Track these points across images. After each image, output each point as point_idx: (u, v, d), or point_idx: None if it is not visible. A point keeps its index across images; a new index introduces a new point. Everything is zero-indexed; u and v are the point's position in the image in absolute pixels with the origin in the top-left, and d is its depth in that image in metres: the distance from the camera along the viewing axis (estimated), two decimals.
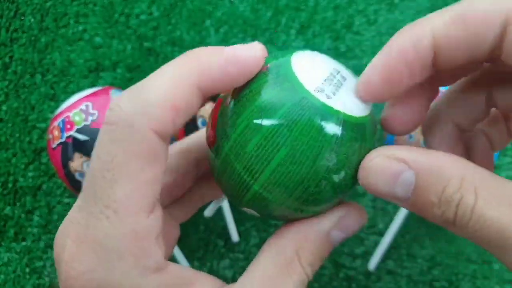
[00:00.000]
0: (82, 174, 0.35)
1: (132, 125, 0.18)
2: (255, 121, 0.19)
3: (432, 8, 0.46)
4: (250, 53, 0.19)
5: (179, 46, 0.47)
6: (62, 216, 0.44)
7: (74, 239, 0.18)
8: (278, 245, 0.21)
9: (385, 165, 0.19)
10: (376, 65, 0.20)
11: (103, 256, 0.18)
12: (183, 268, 0.20)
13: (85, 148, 0.34)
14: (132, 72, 0.47)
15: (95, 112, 0.35)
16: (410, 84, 0.20)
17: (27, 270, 0.43)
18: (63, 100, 0.37)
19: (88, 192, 0.19)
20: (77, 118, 0.35)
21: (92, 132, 0.34)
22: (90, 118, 0.35)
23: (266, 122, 0.19)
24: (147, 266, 0.18)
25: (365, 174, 0.19)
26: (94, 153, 0.19)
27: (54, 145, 0.35)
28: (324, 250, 0.22)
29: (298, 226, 0.21)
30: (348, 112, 0.19)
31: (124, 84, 0.46)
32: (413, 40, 0.19)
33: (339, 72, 0.21)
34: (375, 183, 0.19)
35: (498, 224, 0.16)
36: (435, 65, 0.19)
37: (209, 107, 0.38)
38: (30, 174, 0.45)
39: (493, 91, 0.22)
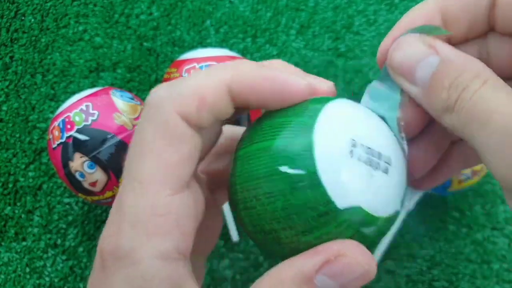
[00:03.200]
0: (82, 174, 0.35)
1: (160, 107, 0.19)
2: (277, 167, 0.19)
3: None
4: (293, 78, 0.20)
5: (179, 46, 0.47)
6: (62, 216, 0.44)
7: (114, 205, 0.20)
8: None
9: (418, 44, 0.20)
10: (389, 37, 0.21)
11: (122, 222, 0.19)
12: (186, 276, 0.20)
13: (85, 148, 0.34)
14: (132, 72, 0.47)
15: (95, 112, 0.35)
16: None
17: (28, 270, 0.43)
18: (64, 100, 0.38)
19: (125, 165, 0.20)
20: (77, 118, 0.35)
21: (92, 132, 0.34)
22: (90, 118, 0.35)
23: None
24: (155, 246, 0.19)
25: (395, 46, 0.20)
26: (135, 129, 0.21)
27: (54, 145, 0.35)
28: None
29: (279, 266, 0.19)
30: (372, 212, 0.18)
31: (124, 84, 0.46)
32: (424, 18, 0.21)
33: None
34: (401, 56, 0.20)
35: (491, 101, 0.17)
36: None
37: None
38: (30, 174, 0.45)
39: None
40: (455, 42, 0.22)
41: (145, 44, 0.47)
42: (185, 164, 0.20)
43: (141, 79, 0.46)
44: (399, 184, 0.20)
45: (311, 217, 0.18)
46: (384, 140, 0.20)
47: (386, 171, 0.19)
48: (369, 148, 0.19)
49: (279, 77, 0.20)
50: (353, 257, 0.18)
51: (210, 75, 0.20)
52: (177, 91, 0.20)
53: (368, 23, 0.46)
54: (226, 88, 0.20)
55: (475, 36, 0.22)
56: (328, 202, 0.17)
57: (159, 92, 0.20)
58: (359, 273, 0.18)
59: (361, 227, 0.18)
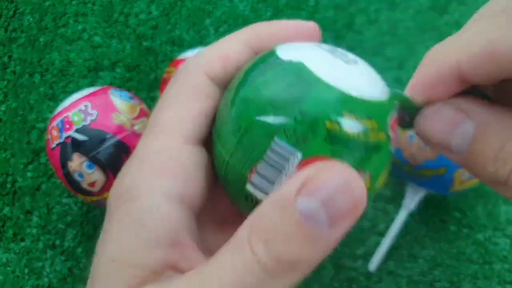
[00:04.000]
0: (81, 174, 0.35)
1: (187, 69, 0.21)
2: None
3: (433, 8, 0.46)
4: (301, 23, 0.21)
5: (179, 46, 0.47)
6: (61, 217, 0.43)
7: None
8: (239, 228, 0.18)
9: (445, 112, 0.19)
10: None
11: (131, 163, 0.20)
12: (184, 225, 0.19)
13: (84, 148, 0.34)
14: (131, 72, 0.46)
15: (94, 112, 0.35)
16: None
17: (26, 270, 0.43)
18: (62, 100, 0.37)
19: (149, 118, 0.21)
20: (76, 118, 0.34)
21: (91, 132, 0.34)
22: (89, 118, 0.34)
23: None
24: (157, 184, 0.19)
25: (424, 120, 0.19)
26: None
27: (53, 145, 0.35)
28: (288, 223, 0.16)
29: (262, 202, 0.18)
30: None
31: (123, 83, 0.46)
32: (437, 73, 0.19)
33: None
34: (432, 129, 0.19)
35: None
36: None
37: None
38: (29, 174, 0.44)
39: None
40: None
41: (144, 43, 0.47)
42: (205, 118, 0.20)
43: (140, 79, 0.46)
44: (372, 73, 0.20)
45: None
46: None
47: (356, 62, 0.19)
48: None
49: (291, 21, 0.21)
50: (330, 171, 0.16)
51: (230, 38, 0.22)
52: (202, 55, 0.21)
53: (369, 22, 0.46)
54: (243, 42, 0.21)
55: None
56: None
57: (188, 61, 0.22)
58: (337, 184, 0.16)
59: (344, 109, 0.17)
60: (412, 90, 0.20)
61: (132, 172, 0.20)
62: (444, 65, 0.18)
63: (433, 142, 0.19)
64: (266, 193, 0.18)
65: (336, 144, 0.17)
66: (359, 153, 0.18)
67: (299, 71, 0.18)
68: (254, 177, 0.18)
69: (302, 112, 0.17)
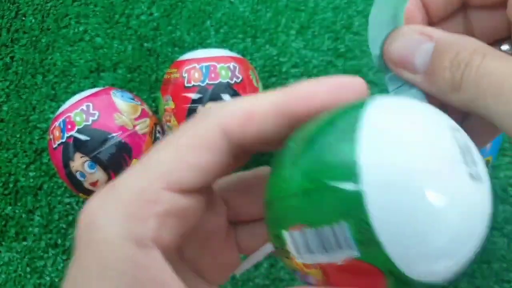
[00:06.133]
0: (83, 174, 0.35)
1: (205, 115, 0.19)
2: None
3: None
4: (345, 80, 0.19)
5: (180, 47, 0.47)
6: (63, 216, 0.44)
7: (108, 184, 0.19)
8: None
9: (411, 34, 0.21)
10: None
11: (106, 197, 0.18)
12: (159, 265, 0.18)
13: (85, 148, 0.34)
14: (132, 73, 0.47)
15: (96, 112, 0.35)
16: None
17: (28, 269, 0.43)
18: (64, 101, 0.38)
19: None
20: (78, 118, 0.35)
21: (92, 132, 0.34)
22: (91, 119, 0.35)
23: None
24: (129, 228, 0.17)
25: (391, 40, 0.21)
26: None
27: (55, 145, 0.35)
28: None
29: None
30: None
31: (124, 84, 0.46)
32: None
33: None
34: (398, 48, 0.21)
35: (497, 72, 0.18)
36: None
37: None
38: (31, 174, 0.45)
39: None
40: (436, 22, 0.23)
41: (145, 44, 0.47)
42: (199, 171, 0.19)
43: (141, 80, 0.47)
44: None
45: None
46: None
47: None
48: None
49: (333, 78, 0.19)
50: None
51: (261, 96, 0.19)
52: (226, 105, 0.19)
53: (368, 23, 0.46)
54: (275, 107, 0.19)
55: (453, 14, 0.23)
56: None
57: (212, 106, 0.21)
58: None
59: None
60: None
61: (107, 209, 0.18)
62: None
63: (397, 62, 0.21)
64: (298, 253, 0.16)
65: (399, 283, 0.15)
66: None
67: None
68: (296, 233, 0.16)
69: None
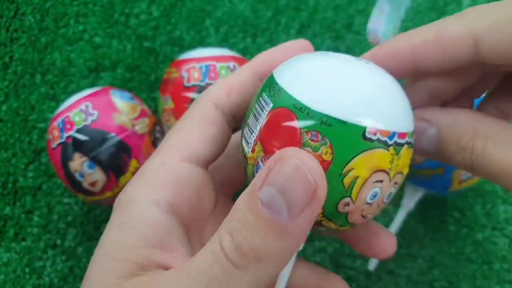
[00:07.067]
0: (82, 174, 0.35)
1: (197, 100, 0.24)
2: None
3: (432, 8, 0.46)
4: (293, 43, 0.25)
5: (179, 46, 0.47)
6: (62, 216, 0.44)
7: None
8: None
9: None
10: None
11: (136, 177, 0.22)
12: (173, 231, 0.21)
13: (84, 148, 0.34)
14: (132, 72, 0.47)
15: (95, 112, 0.35)
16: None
17: (27, 270, 0.43)
18: (63, 100, 0.37)
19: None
20: (77, 118, 0.35)
21: (92, 132, 0.34)
22: (90, 118, 0.35)
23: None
24: (150, 193, 0.21)
25: None
26: None
27: (54, 145, 0.35)
28: (251, 213, 0.16)
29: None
30: None
31: (124, 84, 0.46)
32: (396, 58, 0.22)
33: None
34: None
35: (503, 163, 0.19)
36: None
37: None
38: (30, 174, 0.45)
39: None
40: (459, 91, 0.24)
41: (144, 44, 0.47)
42: (205, 141, 0.23)
43: (141, 79, 0.46)
44: None
45: None
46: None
47: None
48: None
49: (286, 43, 0.25)
50: (284, 157, 0.17)
51: (239, 70, 0.25)
52: (212, 87, 0.24)
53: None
54: (253, 72, 0.24)
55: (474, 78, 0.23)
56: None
57: (202, 93, 0.25)
58: (290, 169, 0.16)
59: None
60: (371, 57, 0.23)
61: (132, 184, 0.22)
62: (401, 45, 0.22)
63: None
64: (248, 143, 0.21)
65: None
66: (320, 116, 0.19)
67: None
68: (245, 130, 0.21)
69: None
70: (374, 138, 0.19)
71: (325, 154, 0.19)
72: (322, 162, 0.18)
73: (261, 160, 0.20)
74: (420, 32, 0.21)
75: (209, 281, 0.16)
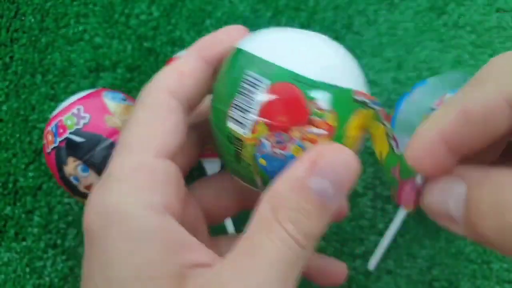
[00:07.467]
0: (77, 177, 0.35)
1: (148, 90, 0.23)
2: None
3: (432, 8, 0.46)
4: (230, 28, 0.25)
5: (179, 46, 0.47)
6: (62, 216, 0.44)
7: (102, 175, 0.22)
8: (257, 210, 0.20)
9: (439, 183, 0.19)
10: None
11: (107, 182, 0.21)
12: (181, 228, 0.21)
13: (78, 151, 0.34)
14: (132, 72, 0.47)
15: (87, 115, 0.34)
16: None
17: (27, 270, 0.43)
18: (64, 100, 0.37)
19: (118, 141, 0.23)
20: (69, 122, 0.34)
21: (84, 136, 0.34)
22: (81, 122, 0.34)
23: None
24: (142, 199, 0.20)
25: (425, 196, 0.20)
26: None
27: (48, 150, 0.35)
28: (306, 202, 0.19)
29: (273, 186, 0.20)
30: None
31: (124, 84, 0.46)
32: (424, 146, 0.19)
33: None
34: (431, 201, 0.20)
35: None
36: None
37: None
38: (30, 174, 0.45)
39: None
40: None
41: (145, 44, 0.47)
42: (170, 133, 0.22)
43: (141, 79, 0.46)
44: None
45: None
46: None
47: None
48: None
49: (222, 30, 0.25)
50: (332, 153, 0.19)
51: (184, 56, 0.24)
52: (160, 76, 0.23)
53: (368, 23, 0.46)
54: (199, 58, 0.24)
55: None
56: None
57: (149, 83, 0.24)
58: (341, 164, 0.19)
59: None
60: (409, 161, 0.19)
61: (114, 192, 0.20)
62: (428, 138, 0.19)
63: (436, 214, 0.19)
64: (242, 124, 0.21)
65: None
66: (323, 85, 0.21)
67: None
68: (232, 111, 0.21)
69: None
70: (359, 99, 0.21)
71: (331, 120, 0.21)
72: (329, 128, 0.21)
73: (266, 138, 0.21)
74: (444, 112, 0.18)
75: (286, 266, 0.19)
